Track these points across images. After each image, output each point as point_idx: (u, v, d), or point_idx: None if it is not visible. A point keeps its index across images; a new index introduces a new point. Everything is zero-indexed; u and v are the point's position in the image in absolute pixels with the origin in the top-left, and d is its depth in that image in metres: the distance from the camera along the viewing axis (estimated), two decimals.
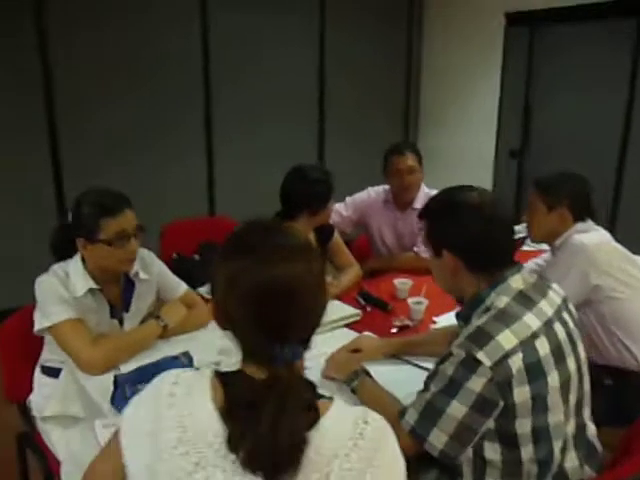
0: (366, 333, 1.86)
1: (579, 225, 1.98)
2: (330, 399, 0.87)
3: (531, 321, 1.20)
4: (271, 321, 0.82)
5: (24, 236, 3.47)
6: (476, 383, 1.14)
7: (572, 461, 1.26)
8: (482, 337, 1.16)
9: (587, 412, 1.33)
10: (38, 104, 3.48)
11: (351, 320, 1.97)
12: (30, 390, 1.85)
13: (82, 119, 3.61)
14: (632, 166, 3.90)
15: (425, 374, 1.57)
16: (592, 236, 1.95)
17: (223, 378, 0.86)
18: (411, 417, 1.22)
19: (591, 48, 4.04)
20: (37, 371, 1.83)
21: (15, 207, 3.52)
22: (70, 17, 3.46)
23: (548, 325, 1.23)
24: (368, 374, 1.49)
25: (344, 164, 4.43)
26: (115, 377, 1.44)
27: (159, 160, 3.94)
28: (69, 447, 1.65)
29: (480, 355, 1.14)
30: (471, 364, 1.15)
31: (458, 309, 2.03)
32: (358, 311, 2.02)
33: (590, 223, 2.01)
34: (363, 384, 1.45)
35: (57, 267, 1.71)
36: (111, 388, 1.43)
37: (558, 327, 1.25)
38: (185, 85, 3.97)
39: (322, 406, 0.85)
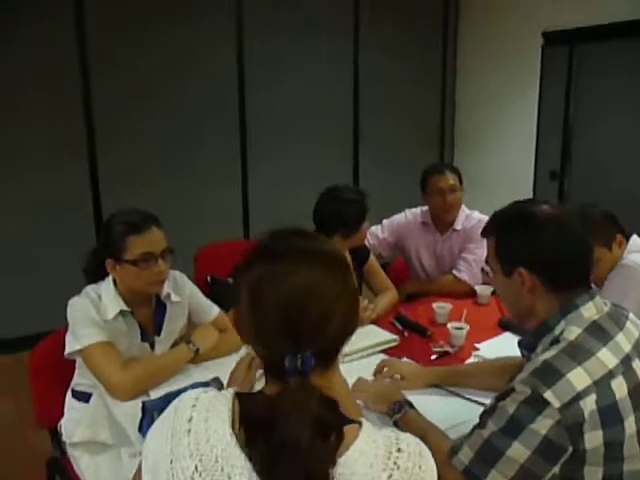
0: (404, 360, 1.78)
1: (628, 245, 1.87)
2: (358, 423, 0.78)
3: (607, 358, 1.08)
4: (288, 328, 0.77)
5: (59, 259, 3.52)
6: (542, 425, 1.02)
7: None
8: (551, 374, 1.05)
9: None
10: (77, 128, 3.55)
11: (388, 346, 1.89)
12: (61, 415, 1.82)
13: (120, 141, 3.67)
14: None
15: (471, 406, 1.50)
16: None
17: (242, 399, 0.80)
18: (465, 456, 1.11)
19: (633, 66, 3.91)
20: (68, 395, 1.81)
21: (52, 229, 3.57)
22: (110, 38, 3.55)
23: (626, 362, 1.09)
24: (411, 405, 1.40)
25: (379, 186, 4.37)
26: (143, 403, 1.39)
27: (194, 183, 3.97)
28: (98, 474, 1.61)
29: (548, 394, 1.02)
30: (537, 404, 1.03)
31: (507, 334, 1.96)
32: (395, 336, 1.93)
33: (638, 240, 1.90)
34: (408, 418, 1.36)
35: (90, 289, 1.69)
36: (139, 415, 1.38)
37: (637, 364, 1.11)
38: (221, 107, 4.01)
39: (349, 432, 0.76)
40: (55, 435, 1.86)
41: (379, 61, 4.56)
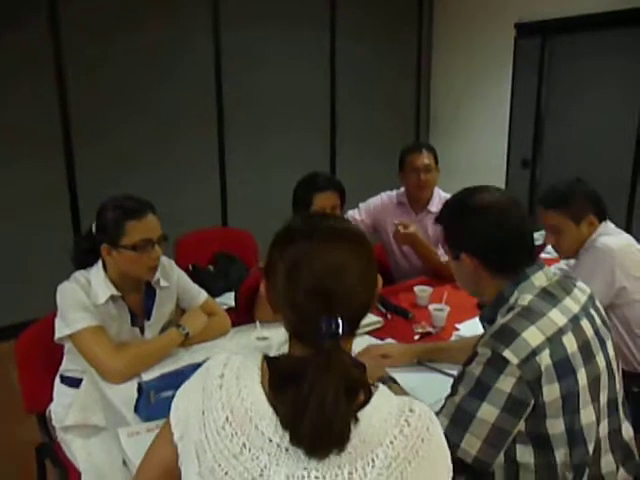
0: (388, 340, 1.84)
1: (601, 228, 1.96)
2: (375, 386, 0.86)
3: (557, 317, 1.18)
4: (323, 296, 0.83)
5: (40, 249, 3.49)
6: (505, 383, 1.11)
7: (608, 465, 1.23)
8: (507, 335, 1.14)
9: (621, 412, 1.29)
10: (53, 122, 3.51)
11: (373, 327, 1.95)
12: (49, 400, 1.83)
13: (96, 134, 3.63)
14: None
15: (451, 381, 1.57)
16: (617, 240, 1.93)
17: (271, 361, 0.87)
18: (441, 424, 1.18)
19: (603, 56, 4.05)
20: (57, 381, 1.82)
21: (30, 220, 3.54)
22: (85, 31, 3.50)
23: (574, 321, 1.20)
24: (394, 381, 1.46)
25: (356, 174, 4.44)
26: (139, 384, 1.42)
27: (171, 173, 3.96)
28: (90, 457, 1.63)
29: (506, 353, 1.11)
30: (498, 363, 1.12)
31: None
32: (379, 318, 1.99)
33: (611, 225, 1.99)
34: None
35: (79, 274, 1.70)
36: (135, 396, 1.41)
37: (585, 323, 1.22)
38: (197, 98, 4.00)
39: (367, 393, 0.84)
40: (43, 421, 1.87)
41: (355, 50, 4.60)
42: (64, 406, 1.73)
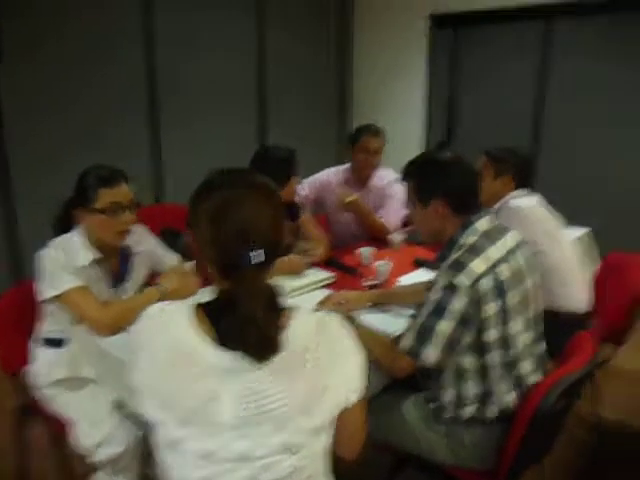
0: (343, 291, 2.10)
1: (515, 192, 2.33)
2: (295, 308, 1.05)
3: (495, 252, 1.50)
4: (245, 234, 0.99)
5: None
6: (458, 303, 1.42)
7: (527, 366, 1.57)
8: (459, 266, 1.45)
9: (540, 328, 1.64)
10: None
11: (327, 282, 2.22)
12: (24, 363, 1.93)
13: (28, 129, 3.50)
14: (544, 150, 4.43)
15: (401, 318, 1.87)
16: (526, 201, 2.30)
17: (205, 304, 1.04)
18: (407, 340, 1.49)
19: (508, 47, 4.54)
20: (36, 344, 1.92)
21: None
22: (13, 15, 3.42)
23: (510, 254, 1.53)
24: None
25: None
26: None
27: (107, 159, 3.93)
28: (82, 406, 1.77)
29: (458, 280, 1.42)
30: (452, 288, 1.43)
31: (421, 270, 2.36)
32: (333, 274, 2.26)
33: (526, 191, 2.36)
34: (356, 328, 1.67)
35: (58, 241, 1.81)
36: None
37: (519, 255, 1.56)
38: (128, 85, 4.00)
39: (291, 311, 1.04)
40: (18, 383, 1.96)
41: (283, 38, 4.77)
42: (48, 364, 1.84)
